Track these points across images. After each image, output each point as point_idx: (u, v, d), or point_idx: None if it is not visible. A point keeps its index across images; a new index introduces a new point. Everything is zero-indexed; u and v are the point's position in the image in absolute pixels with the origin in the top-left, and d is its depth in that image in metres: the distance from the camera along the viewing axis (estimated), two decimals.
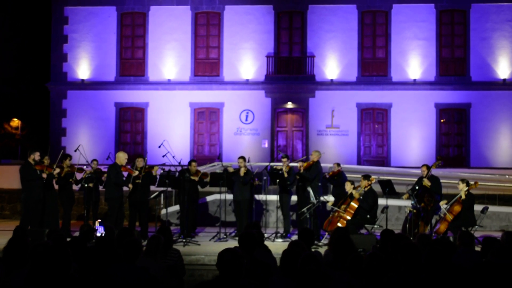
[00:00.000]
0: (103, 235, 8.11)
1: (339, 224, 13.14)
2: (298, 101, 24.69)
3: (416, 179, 14.57)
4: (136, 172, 13.79)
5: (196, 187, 15.28)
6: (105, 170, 15.44)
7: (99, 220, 8.33)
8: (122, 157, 13.86)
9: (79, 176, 14.94)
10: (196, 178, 14.92)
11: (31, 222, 13.32)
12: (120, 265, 6.00)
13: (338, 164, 16.00)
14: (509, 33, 24.18)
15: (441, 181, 14.20)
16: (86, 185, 14.63)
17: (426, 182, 13.55)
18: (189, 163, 15.35)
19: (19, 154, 36.49)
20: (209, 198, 18.62)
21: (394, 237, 7.22)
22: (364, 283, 5.39)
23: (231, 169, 14.95)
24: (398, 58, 24.44)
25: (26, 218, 13.31)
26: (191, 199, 14.83)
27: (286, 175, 14.30)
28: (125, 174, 14.07)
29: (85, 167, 14.93)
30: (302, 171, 14.09)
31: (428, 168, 13.91)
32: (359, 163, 24.09)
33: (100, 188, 15.51)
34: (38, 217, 13.58)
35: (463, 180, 13.29)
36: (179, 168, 14.95)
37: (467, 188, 13.04)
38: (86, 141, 23.26)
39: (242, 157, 15.09)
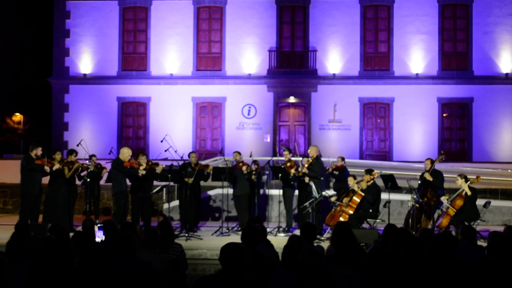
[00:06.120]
0: (102, 240, 8.06)
1: (341, 219, 13.15)
2: (300, 96, 24.65)
3: (418, 174, 14.55)
4: (143, 166, 13.70)
5: (198, 182, 15.24)
6: (105, 165, 15.42)
7: (99, 225, 8.23)
8: (126, 153, 13.75)
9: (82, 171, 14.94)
10: (190, 180, 14.39)
11: (30, 216, 13.34)
12: (121, 259, 6.00)
13: (342, 159, 15.82)
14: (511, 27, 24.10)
15: (443, 175, 14.18)
16: (88, 179, 14.63)
17: (428, 177, 13.53)
18: (189, 155, 15.31)
19: (21, 149, 36.48)
20: (211, 193, 18.62)
21: (397, 231, 7.21)
22: (366, 277, 5.39)
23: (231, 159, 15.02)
24: (400, 53, 24.37)
25: (25, 213, 13.30)
26: (193, 193, 14.82)
27: (288, 164, 14.27)
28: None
29: (87, 161, 14.93)
30: (305, 170, 13.94)
31: (432, 162, 13.87)
32: (361, 157, 24.05)
33: (101, 182, 15.51)
34: (38, 212, 13.62)
35: (461, 175, 13.25)
36: (181, 163, 14.94)
37: (467, 183, 13.01)
38: (88, 136, 23.24)
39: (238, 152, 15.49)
